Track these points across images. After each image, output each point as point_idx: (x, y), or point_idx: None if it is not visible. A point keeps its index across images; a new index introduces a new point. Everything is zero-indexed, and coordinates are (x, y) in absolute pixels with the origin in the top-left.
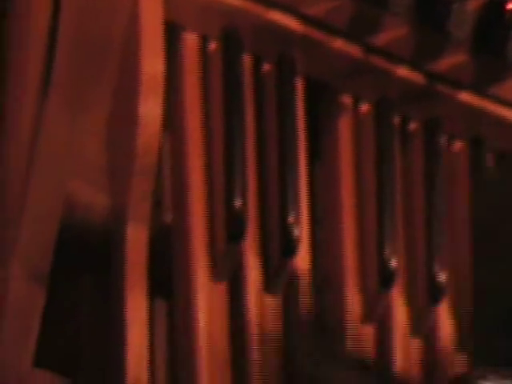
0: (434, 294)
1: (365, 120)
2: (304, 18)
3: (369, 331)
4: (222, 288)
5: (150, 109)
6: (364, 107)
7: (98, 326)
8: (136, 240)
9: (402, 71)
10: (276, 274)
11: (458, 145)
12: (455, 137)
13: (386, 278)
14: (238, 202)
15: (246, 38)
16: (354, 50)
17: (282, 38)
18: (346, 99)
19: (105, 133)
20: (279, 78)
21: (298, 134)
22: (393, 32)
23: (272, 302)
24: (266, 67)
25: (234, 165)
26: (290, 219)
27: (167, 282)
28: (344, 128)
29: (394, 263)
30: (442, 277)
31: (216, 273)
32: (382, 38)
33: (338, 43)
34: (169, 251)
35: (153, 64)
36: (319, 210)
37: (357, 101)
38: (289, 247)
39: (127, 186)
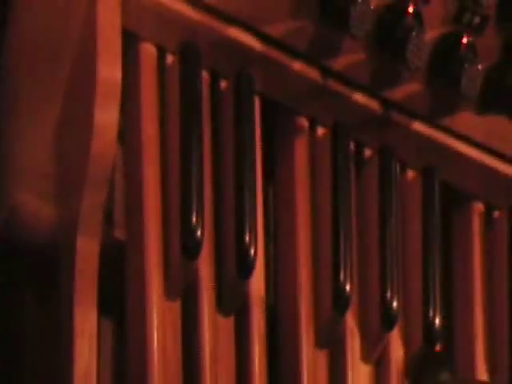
0: (388, 320)
1: (321, 143)
2: (264, 37)
3: (323, 356)
4: (175, 306)
5: (106, 116)
6: (320, 130)
7: (42, 340)
8: (87, 253)
9: (359, 97)
10: (231, 294)
11: (410, 174)
12: (408, 165)
13: (341, 303)
14: (193, 218)
15: (205, 52)
16: (312, 72)
17: (240, 56)
18: (303, 121)
19: (54, 141)
20: (237, 95)
21: (255, 153)
22: (351, 57)
23: (226, 322)
24: (224, 84)
25: (190, 180)
26: (247, 238)
27: (117, 298)
28: (300, 150)
29: (348, 288)
30: (395, 303)
31: (170, 290)
32: (340, 62)
33: (297, 65)
34: (119, 267)
35: (110, 70)
36: (274, 231)
37: (313, 123)
38: (245, 267)
39: (78, 197)
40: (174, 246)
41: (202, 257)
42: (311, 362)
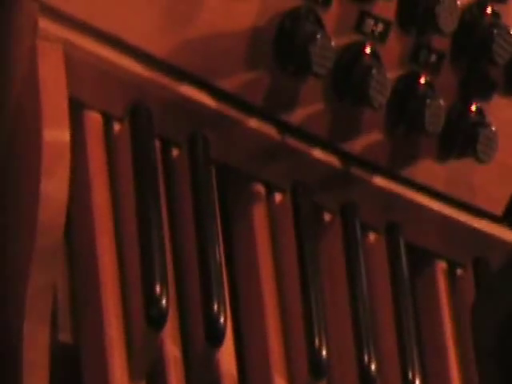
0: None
1: (280, 207)
2: (217, 93)
3: None
4: None
5: (54, 183)
6: (278, 196)
7: None
8: (35, 339)
9: (318, 152)
10: (200, 369)
11: (373, 235)
12: (371, 223)
13: (318, 368)
14: (157, 287)
15: (155, 115)
16: (268, 129)
17: (193, 115)
18: (259, 188)
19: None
20: (192, 160)
21: (216, 219)
22: (309, 108)
23: None
24: (176, 150)
25: (151, 248)
26: (215, 307)
27: None
28: (258, 216)
29: (324, 354)
30: (373, 367)
31: (134, 367)
32: (298, 116)
33: (253, 122)
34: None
35: (56, 136)
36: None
37: (271, 188)
38: (214, 336)
39: (25, 274)
40: (136, 318)
41: (167, 329)
42: None
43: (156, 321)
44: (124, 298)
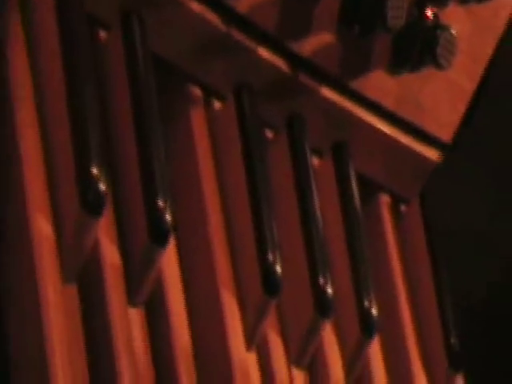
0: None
1: (222, 116)
2: None
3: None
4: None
5: None
6: (217, 103)
7: None
8: None
9: (264, 52)
10: (143, 267)
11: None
12: (316, 143)
13: (272, 285)
14: (94, 169)
15: None
16: (212, 17)
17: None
18: (196, 90)
19: None
20: (127, 46)
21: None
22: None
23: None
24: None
25: (84, 126)
26: (160, 203)
27: None
28: (197, 124)
29: (279, 269)
30: (329, 290)
31: (66, 267)
32: (245, 4)
33: (195, 5)
34: None
35: None
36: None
37: (211, 92)
38: (160, 233)
39: None
40: (68, 208)
41: (103, 227)
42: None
43: (94, 206)
44: (52, 187)
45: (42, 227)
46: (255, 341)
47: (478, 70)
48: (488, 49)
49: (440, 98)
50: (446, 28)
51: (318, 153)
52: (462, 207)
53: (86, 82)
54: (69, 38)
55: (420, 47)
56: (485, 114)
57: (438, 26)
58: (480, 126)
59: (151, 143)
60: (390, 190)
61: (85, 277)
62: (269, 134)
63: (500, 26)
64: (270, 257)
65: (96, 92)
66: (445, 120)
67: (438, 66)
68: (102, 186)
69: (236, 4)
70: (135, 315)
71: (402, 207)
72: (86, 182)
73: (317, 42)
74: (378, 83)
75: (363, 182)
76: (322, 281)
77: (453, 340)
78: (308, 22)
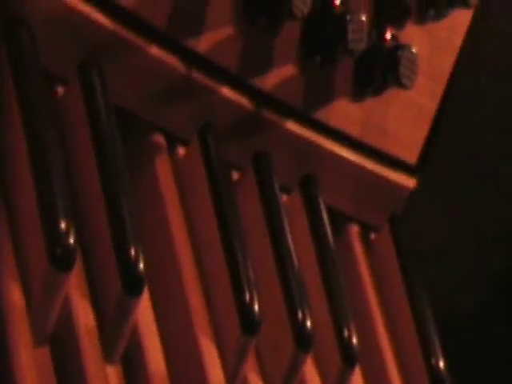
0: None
1: (187, 160)
2: (114, 13)
3: None
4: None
5: None
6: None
7: None
8: None
9: (226, 91)
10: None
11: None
12: (285, 177)
13: (251, 325)
14: (62, 224)
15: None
16: (171, 59)
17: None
18: (159, 138)
19: None
20: (87, 99)
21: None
22: (217, 35)
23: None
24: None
25: (49, 180)
26: (132, 252)
27: None
28: (163, 170)
29: (256, 308)
30: (308, 324)
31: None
32: (204, 44)
33: (154, 49)
34: None
35: None
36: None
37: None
38: (133, 283)
39: None
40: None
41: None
42: None
43: (63, 261)
44: (19, 246)
45: (11, 290)
46: (237, 383)
47: (439, 89)
48: (447, 67)
49: (403, 120)
50: (406, 47)
51: (286, 189)
52: (433, 228)
53: (48, 136)
54: (26, 94)
55: (382, 69)
56: (446, 133)
57: (398, 46)
58: (441, 144)
59: (119, 193)
60: (359, 219)
61: (58, 336)
62: (235, 174)
63: (457, 45)
64: (247, 296)
65: (59, 145)
66: (409, 142)
67: (402, 85)
68: (71, 240)
69: (195, 44)
70: (112, 372)
71: (372, 235)
72: (53, 237)
73: (278, 76)
74: (342, 111)
75: (332, 212)
76: (300, 316)
77: (434, 363)
78: (268, 57)
